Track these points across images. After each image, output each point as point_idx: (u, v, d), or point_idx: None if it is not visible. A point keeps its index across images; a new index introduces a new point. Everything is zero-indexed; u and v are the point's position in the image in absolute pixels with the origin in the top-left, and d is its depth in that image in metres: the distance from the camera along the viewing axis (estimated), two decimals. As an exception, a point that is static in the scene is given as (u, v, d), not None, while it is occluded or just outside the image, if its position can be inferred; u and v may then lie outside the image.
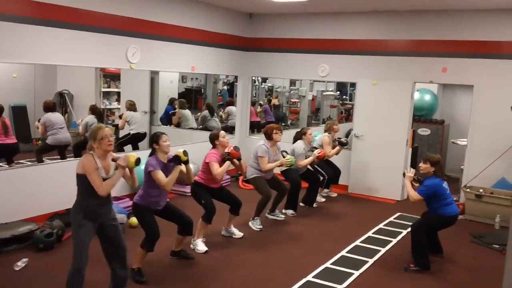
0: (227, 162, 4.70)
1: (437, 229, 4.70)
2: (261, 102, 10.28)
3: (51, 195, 5.25)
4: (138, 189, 4.17)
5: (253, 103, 9.31)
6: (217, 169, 4.62)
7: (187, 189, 6.61)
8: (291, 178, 6.07)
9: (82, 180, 3.27)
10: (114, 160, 3.40)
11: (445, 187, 4.47)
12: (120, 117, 7.26)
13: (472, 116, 6.63)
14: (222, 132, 4.87)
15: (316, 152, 6.14)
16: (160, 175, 3.91)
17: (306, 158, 6.09)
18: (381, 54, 7.13)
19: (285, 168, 5.96)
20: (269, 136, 5.54)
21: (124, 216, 5.13)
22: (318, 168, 6.65)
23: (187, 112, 8.39)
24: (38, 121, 6.27)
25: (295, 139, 6.29)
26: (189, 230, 4.31)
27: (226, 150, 4.75)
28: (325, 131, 6.89)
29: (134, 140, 7.25)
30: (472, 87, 6.62)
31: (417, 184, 4.61)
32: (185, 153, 4.04)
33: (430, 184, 4.43)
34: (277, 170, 5.80)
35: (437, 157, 4.55)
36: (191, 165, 4.21)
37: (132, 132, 7.21)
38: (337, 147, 6.71)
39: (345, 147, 6.84)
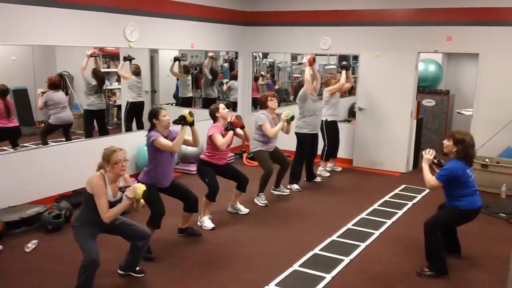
0: (230, 132, 4.69)
1: (454, 225, 4.03)
2: (262, 72, 10.04)
3: (57, 177, 5.26)
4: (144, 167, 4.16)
5: (256, 78, 9.21)
6: (220, 140, 4.61)
7: (192, 167, 6.64)
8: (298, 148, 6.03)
9: (89, 198, 3.26)
10: (121, 190, 3.31)
11: (468, 174, 3.73)
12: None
13: (478, 86, 6.53)
14: (222, 105, 4.85)
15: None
16: (163, 140, 3.94)
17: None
18: (384, 25, 6.99)
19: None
20: (264, 104, 5.48)
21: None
22: (325, 133, 6.65)
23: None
24: (41, 93, 5.95)
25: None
26: (194, 207, 4.34)
27: (228, 120, 4.75)
28: (324, 84, 6.86)
29: (134, 110, 6.96)
30: (478, 55, 6.51)
31: (437, 170, 3.86)
32: (190, 114, 4.00)
33: (450, 168, 3.67)
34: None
35: (463, 135, 3.70)
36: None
37: (130, 100, 6.94)
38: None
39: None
